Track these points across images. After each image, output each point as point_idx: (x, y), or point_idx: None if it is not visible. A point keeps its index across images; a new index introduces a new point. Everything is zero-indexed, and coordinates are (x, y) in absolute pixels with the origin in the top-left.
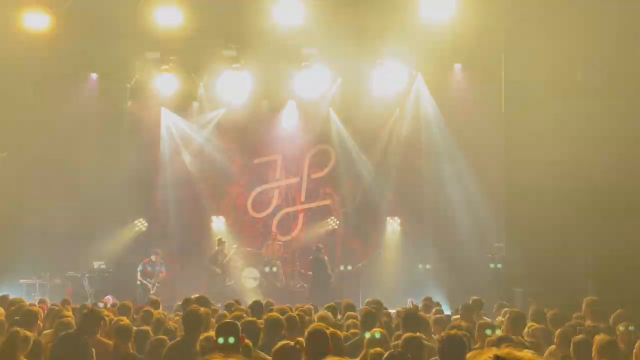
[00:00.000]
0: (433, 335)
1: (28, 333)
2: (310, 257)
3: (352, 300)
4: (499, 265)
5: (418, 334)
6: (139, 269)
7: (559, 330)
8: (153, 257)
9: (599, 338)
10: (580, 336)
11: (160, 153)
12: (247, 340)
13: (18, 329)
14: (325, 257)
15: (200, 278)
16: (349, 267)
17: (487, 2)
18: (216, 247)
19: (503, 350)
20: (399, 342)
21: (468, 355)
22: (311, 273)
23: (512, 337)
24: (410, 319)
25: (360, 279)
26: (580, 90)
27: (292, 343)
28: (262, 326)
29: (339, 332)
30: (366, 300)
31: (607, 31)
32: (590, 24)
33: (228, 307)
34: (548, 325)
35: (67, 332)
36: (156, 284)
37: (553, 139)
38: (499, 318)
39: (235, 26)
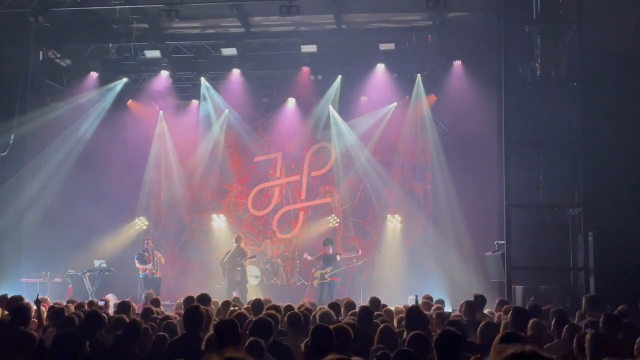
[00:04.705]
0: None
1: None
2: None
3: (352, 299)
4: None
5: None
6: (135, 258)
7: (565, 326)
8: (145, 245)
9: (587, 334)
10: (584, 333)
11: (160, 152)
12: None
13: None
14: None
15: (201, 276)
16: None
17: None
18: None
19: (531, 349)
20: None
21: (494, 342)
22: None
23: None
24: (413, 316)
25: (360, 277)
26: (578, 87)
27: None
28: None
29: (347, 327)
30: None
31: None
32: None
33: (225, 305)
34: (547, 321)
35: (67, 329)
36: (158, 266)
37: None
38: (500, 314)
39: (234, 24)
